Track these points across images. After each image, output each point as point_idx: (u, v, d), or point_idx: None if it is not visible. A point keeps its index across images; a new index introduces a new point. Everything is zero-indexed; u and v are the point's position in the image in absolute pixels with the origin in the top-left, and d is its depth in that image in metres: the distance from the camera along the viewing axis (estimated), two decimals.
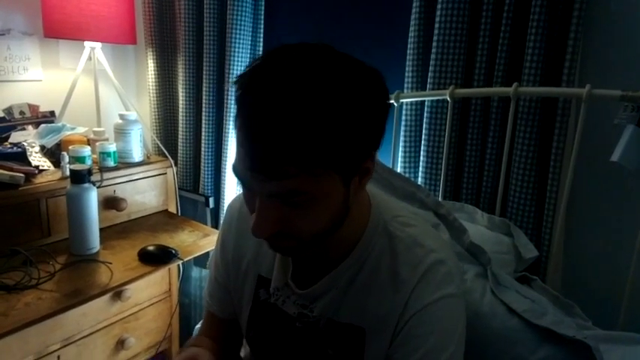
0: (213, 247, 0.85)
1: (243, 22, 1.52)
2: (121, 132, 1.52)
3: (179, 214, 1.71)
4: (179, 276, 1.68)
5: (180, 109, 1.73)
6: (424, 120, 1.20)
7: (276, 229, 0.55)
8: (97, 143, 1.47)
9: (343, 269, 0.65)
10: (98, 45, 1.57)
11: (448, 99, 1.12)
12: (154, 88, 1.79)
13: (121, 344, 1.42)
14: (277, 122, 0.48)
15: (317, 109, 0.49)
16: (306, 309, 0.68)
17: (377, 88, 0.55)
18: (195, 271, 1.82)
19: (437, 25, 1.13)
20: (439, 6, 1.11)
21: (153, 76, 1.78)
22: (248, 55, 1.57)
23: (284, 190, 0.51)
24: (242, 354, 0.88)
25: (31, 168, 1.32)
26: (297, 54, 0.52)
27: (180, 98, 1.72)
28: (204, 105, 1.64)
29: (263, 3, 1.55)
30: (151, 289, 1.52)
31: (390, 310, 0.63)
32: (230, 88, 1.56)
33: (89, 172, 1.25)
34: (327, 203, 0.55)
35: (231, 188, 1.67)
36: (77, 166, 1.27)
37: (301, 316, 0.68)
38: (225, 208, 1.68)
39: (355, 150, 0.54)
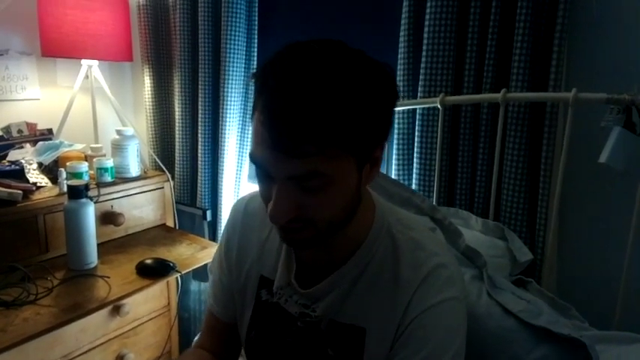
0: (211, 260, 0.85)
1: (237, 38, 1.54)
2: (118, 147, 1.54)
3: (177, 227, 1.71)
4: (178, 290, 1.68)
5: (177, 124, 1.75)
6: (416, 127, 1.22)
7: (294, 215, 0.57)
8: (95, 159, 1.48)
9: (347, 270, 0.66)
10: (95, 63, 1.59)
11: (439, 106, 1.14)
12: (150, 103, 1.81)
13: None
14: (298, 101, 0.52)
15: (334, 91, 0.52)
16: (308, 309, 0.69)
17: (388, 77, 0.59)
18: (194, 285, 1.82)
19: (426, 35, 1.15)
20: (427, 16, 1.14)
21: (149, 92, 1.80)
22: (242, 70, 1.60)
23: (303, 170, 0.54)
24: None
25: (29, 185, 1.33)
26: (317, 45, 0.56)
27: (177, 113, 1.74)
28: (200, 119, 1.66)
29: (256, 19, 1.58)
30: (149, 304, 1.52)
31: (392, 311, 0.64)
32: (225, 103, 1.59)
33: (86, 187, 1.26)
34: (342, 188, 0.57)
35: (229, 201, 1.67)
36: (74, 182, 1.28)
37: (303, 316, 0.69)
38: (222, 221, 1.68)
39: (368, 134, 0.57)
